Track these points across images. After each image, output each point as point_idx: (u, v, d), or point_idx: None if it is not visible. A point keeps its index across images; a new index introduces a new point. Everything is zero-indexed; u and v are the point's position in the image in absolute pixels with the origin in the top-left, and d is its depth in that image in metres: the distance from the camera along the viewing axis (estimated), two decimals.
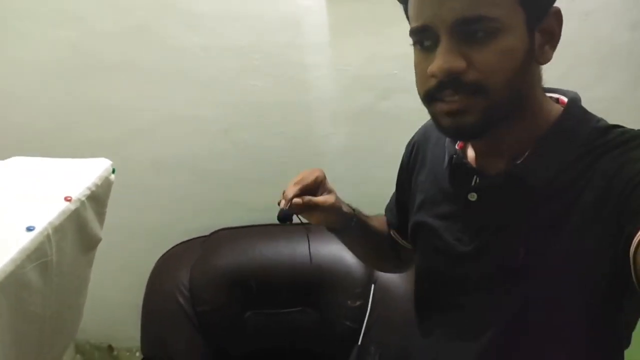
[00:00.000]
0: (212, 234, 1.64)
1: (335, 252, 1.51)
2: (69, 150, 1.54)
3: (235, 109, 1.55)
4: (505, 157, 0.66)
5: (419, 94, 0.64)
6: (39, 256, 0.70)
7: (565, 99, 0.67)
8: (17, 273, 0.66)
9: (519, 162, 0.64)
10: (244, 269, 1.51)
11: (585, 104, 0.67)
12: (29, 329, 0.75)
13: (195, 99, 1.55)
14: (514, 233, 0.64)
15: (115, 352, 2.07)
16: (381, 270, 1.07)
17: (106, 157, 0.93)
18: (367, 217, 0.93)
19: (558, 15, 0.60)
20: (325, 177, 0.83)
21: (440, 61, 0.57)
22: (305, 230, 1.57)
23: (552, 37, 0.60)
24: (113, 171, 0.89)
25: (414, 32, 0.62)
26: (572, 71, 1.35)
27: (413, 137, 0.89)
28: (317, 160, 1.56)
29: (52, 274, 0.76)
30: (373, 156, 1.55)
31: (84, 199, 0.79)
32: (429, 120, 0.85)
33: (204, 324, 1.51)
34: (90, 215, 0.84)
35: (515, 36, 0.56)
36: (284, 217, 0.77)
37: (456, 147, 0.73)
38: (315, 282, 1.48)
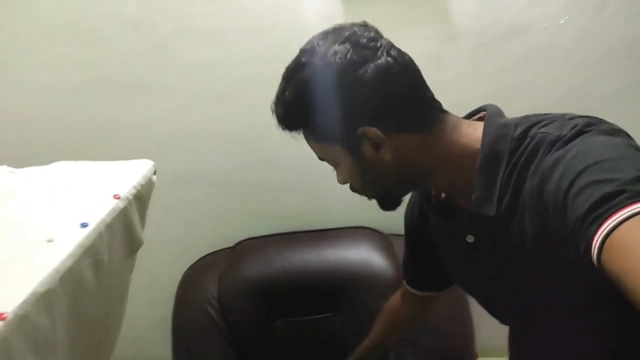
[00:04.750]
0: (237, 244, 1.64)
1: (362, 255, 1.51)
2: None
3: (254, 120, 1.55)
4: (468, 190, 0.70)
5: None
6: (93, 253, 0.71)
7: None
8: (74, 269, 0.66)
9: (474, 202, 0.67)
10: (271, 277, 1.50)
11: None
12: (81, 331, 0.75)
13: (213, 113, 1.56)
14: (519, 264, 0.68)
15: None
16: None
17: None
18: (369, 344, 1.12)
19: (366, 135, 0.67)
20: None
21: None
22: (330, 235, 1.59)
23: (377, 144, 0.68)
24: (154, 172, 0.90)
25: None
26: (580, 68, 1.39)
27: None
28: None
29: (104, 274, 0.76)
30: None
31: (131, 197, 0.80)
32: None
33: (236, 335, 1.50)
34: (135, 215, 0.85)
35: (347, 162, 0.71)
36: None
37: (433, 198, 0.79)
38: (344, 286, 1.48)
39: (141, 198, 0.84)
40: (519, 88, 1.47)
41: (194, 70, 1.53)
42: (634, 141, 0.58)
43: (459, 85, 1.45)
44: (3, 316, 0.54)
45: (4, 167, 0.85)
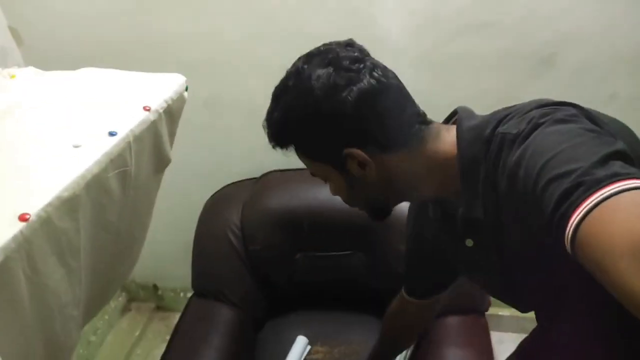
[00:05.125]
0: (263, 175, 1.62)
1: None
2: None
3: (296, 44, 1.48)
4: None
5: None
6: (120, 164, 0.69)
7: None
8: (101, 177, 0.65)
9: (462, 209, 0.69)
10: (296, 210, 1.49)
11: None
12: (105, 238, 0.74)
13: (256, 33, 1.48)
14: (521, 261, 0.68)
15: (159, 292, 2.11)
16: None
17: None
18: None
19: (351, 155, 0.69)
20: None
21: None
22: None
23: (364, 164, 0.70)
24: (186, 89, 0.86)
25: None
26: None
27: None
28: None
29: (130, 186, 0.75)
30: (434, 100, 1.48)
31: (161, 111, 0.77)
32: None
33: (254, 264, 1.51)
34: (164, 131, 0.82)
35: (336, 178, 0.74)
36: None
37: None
38: (368, 227, 1.45)
39: (171, 113, 0.81)
40: (583, 34, 1.35)
41: None
42: (590, 123, 0.58)
43: (509, 28, 1.34)
44: (26, 217, 0.52)
45: (31, 68, 0.82)
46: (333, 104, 0.66)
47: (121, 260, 0.88)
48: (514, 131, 0.60)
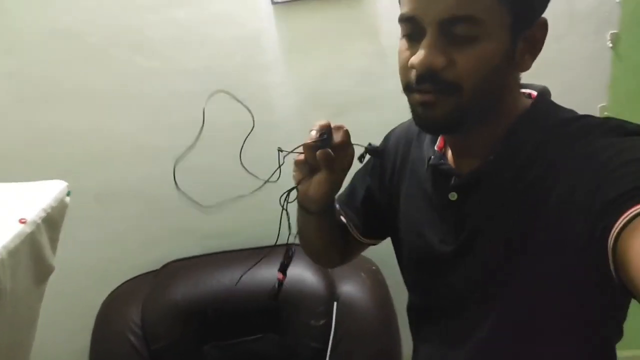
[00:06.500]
0: (163, 266, 1.57)
1: (295, 273, 1.49)
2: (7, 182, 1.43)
3: (188, 133, 1.51)
4: (480, 156, 0.66)
5: (401, 82, 0.65)
6: None
7: (536, 94, 0.68)
8: None
9: (490, 158, 0.64)
10: (200, 299, 1.45)
11: None
12: None
13: (145, 125, 1.50)
14: (493, 232, 0.64)
15: None
16: (325, 263, 1.10)
17: None
18: None
19: (544, 26, 0.60)
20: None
21: (422, 55, 0.58)
22: (263, 254, 1.56)
23: (534, 46, 0.61)
24: (68, 193, 0.84)
25: (402, 20, 0.61)
26: None
27: (393, 131, 0.88)
28: (272, 182, 1.54)
29: (6, 304, 0.69)
30: None
31: (39, 221, 0.74)
32: (408, 121, 0.85)
33: None
34: (44, 240, 0.78)
35: (498, 42, 0.57)
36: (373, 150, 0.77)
37: (435, 148, 0.73)
38: (276, 306, 1.45)
39: (52, 221, 0.78)
40: None
41: (123, 81, 1.46)
42: None
43: (388, 102, 1.48)
44: None
45: None
46: None
47: None
48: (619, 123, 0.58)
